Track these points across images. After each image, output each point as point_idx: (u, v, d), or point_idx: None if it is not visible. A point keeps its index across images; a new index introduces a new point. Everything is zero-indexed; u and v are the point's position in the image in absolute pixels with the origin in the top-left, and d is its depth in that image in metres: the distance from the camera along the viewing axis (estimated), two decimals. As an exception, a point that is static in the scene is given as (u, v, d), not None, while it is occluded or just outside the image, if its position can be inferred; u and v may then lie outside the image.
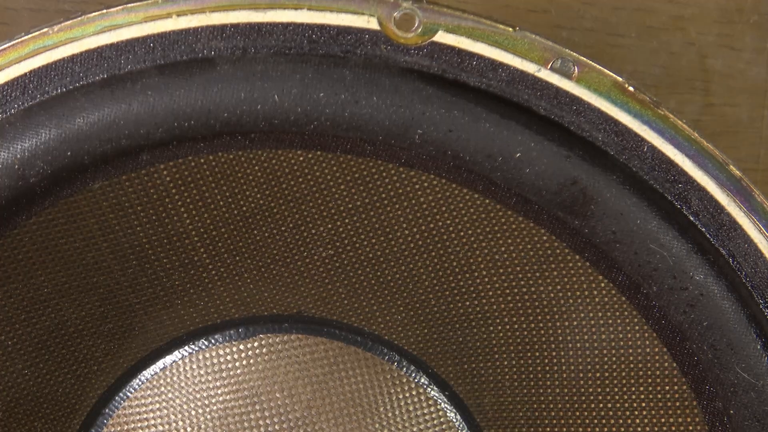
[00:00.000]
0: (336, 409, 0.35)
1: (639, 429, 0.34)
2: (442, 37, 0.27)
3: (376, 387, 0.36)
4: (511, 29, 0.27)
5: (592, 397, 0.34)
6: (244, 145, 0.28)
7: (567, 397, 0.34)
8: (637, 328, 0.32)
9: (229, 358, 0.36)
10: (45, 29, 0.26)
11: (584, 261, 0.31)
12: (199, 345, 0.36)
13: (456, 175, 0.29)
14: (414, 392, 0.36)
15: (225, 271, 0.35)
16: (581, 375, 0.34)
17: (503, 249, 0.32)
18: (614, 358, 0.33)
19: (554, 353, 0.34)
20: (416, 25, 0.27)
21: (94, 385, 0.36)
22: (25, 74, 0.26)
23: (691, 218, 0.28)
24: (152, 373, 0.36)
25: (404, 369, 0.37)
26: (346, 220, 0.33)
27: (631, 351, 0.33)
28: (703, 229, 0.28)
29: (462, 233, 0.33)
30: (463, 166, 0.27)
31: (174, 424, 0.35)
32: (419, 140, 0.27)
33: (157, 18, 0.26)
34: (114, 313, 0.34)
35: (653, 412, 0.33)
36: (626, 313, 0.32)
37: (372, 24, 0.27)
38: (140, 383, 0.36)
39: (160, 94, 0.26)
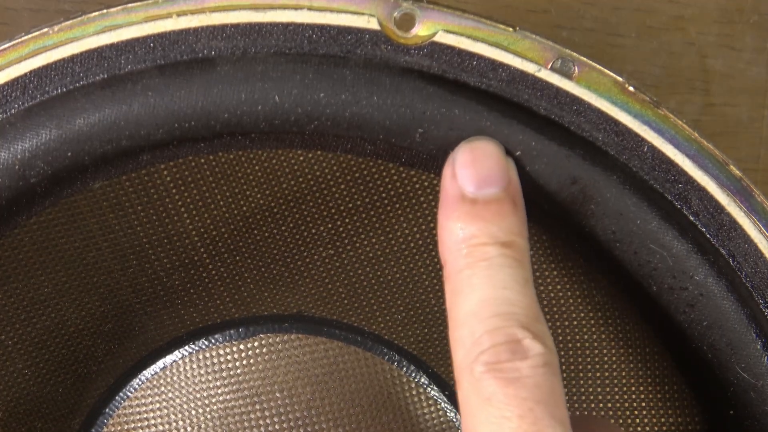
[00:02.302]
0: (336, 409, 0.35)
1: (639, 429, 0.34)
2: (442, 37, 0.27)
3: (376, 387, 0.36)
4: (511, 29, 0.27)
5: (592, 397, 0.34)
6: (245, 145, 0.28)
7: (567, 397, 0.34)
8: (637, 327, 0.32)
9: (229, 357, 0.36)
10: (45, 29, 0.26)
11: (584, 261, 0.31)
12: (199, 345, 0.36)
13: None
14: (414, 392, 0.36)
15: (225, 271, 0.35)
16: (581, 375, 0.34)
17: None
18: (614, 358, 0.33)
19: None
20: (416, 25, 0.27)
21: (94, 384, 0.36)
22: (25, 74, 0.26)
23: (691, 218, 0.28)
24: (152, 372, 0.36)
25: (404, 369, 0.37)
26: (346, 220, 0.33)
27: (631, 351, 0.33)
28: (703, 229, 0.28)
29: (462, 233, 0.33)
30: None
31: (174, 424, 0.35)
32: (420, 139, 0.27)
33: (157, 18, 0.26)
34: (114, 313, 0.34)
35: (653, 412, 0.33)
36: (626, 313, 0.32)
37: (372, 24, 0.27)
38: (140, 383, 0.36)
39: (160, 94, 0.26)
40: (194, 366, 0.36)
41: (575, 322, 0.33)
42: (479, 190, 0.25)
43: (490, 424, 0.23)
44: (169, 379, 0.36)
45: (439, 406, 0.37)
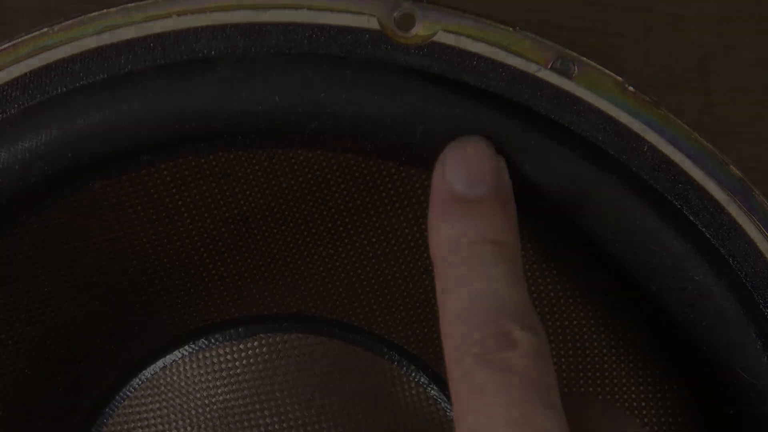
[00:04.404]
0: (336, 409, 0.36)
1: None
2: (442, 37, 0.27)
3: (376, 387, 0.36)
4: (511, 29, 0.27)
5: (592, 397, 0.34)
6: (245, 145, 0.28)
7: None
8: (636, 328, 0.32)
9: (229, 357, 0.36)
10: (45, 29, 0.26)
11: (583, 261, 0.31)
12: (199, 344, 0.36)
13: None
14: (414, 391, 0.36)
15: (225, 271, 0.35)
16: (581, 375, 0.34)
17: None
18: (613, 358, 0.33)
19: (554, 353, 0.34)
20: (416, 24, 0.27)
21: (94, 384, 0.36)
22: (25, 74, 0.26)
23: (691, 218, 0.28)
24: (152, 372, 0.36)
25: (404, 368, 0.37)
26: (346, 220, 0.33)
27: (630, 351, 0.33)
28: (703, 229, 0.28)
29: (462, 233, 0.33)
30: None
31: (174, 424, 0.36)
32: (419, 140, 0.27)
33: (157, 18, 0.26)
34: (114, 313, 0.34)
35: (653, 412, 0.33)
36: (626, 313, 0.32)
37: (372, 24, 0.27)
38: (140, 383, 0.36)
39: (160, 94, 0.26)
40: (194, 366, 0.36)
41: (574, 323, 0.33)
42: (469, 189, 0.25)
43: (480, 413, 0.23)
44: (168, 379, 0.36)
45: (439, 406, 0.37)
